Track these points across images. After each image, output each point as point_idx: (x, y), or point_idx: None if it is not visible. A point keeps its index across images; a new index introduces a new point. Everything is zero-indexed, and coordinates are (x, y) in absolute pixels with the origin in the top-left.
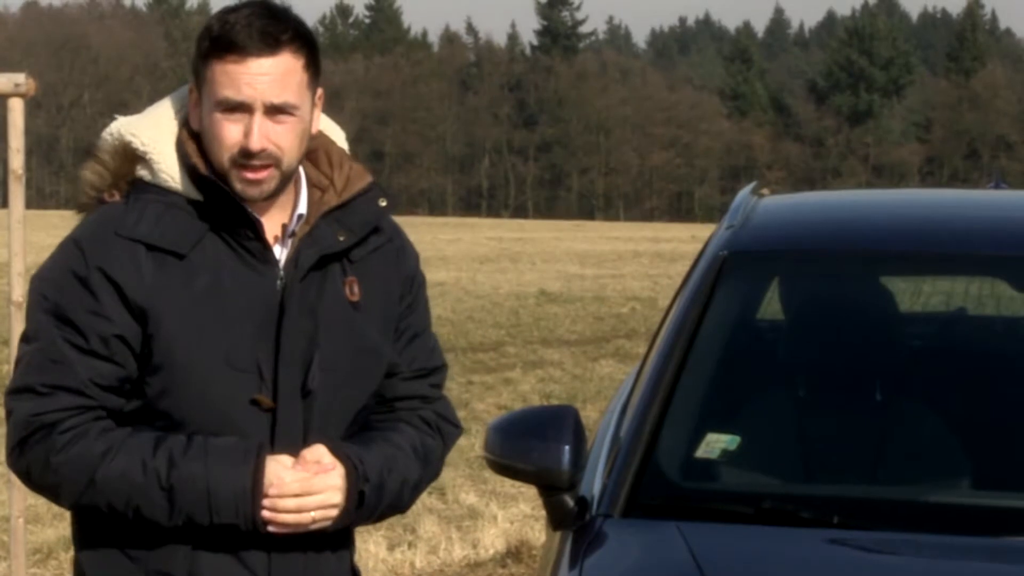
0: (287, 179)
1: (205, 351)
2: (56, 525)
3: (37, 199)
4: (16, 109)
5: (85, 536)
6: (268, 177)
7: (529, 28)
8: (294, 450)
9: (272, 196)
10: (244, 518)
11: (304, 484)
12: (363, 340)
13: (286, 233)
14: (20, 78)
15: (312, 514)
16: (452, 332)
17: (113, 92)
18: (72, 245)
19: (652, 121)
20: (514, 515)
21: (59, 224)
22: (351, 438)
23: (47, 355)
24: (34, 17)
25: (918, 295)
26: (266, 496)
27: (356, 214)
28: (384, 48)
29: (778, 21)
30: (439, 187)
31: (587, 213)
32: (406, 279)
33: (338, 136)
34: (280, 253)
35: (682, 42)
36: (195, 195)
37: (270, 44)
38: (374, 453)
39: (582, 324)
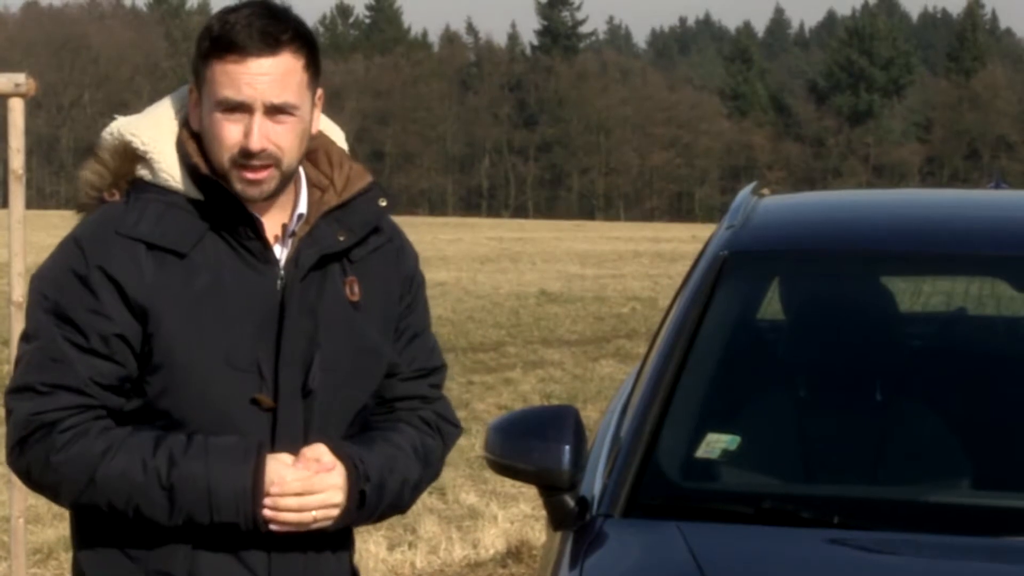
0: (287, 179)
1: (205, 350)
2: (56, 525)
3: (37, 199)
4: (16, 109)
5: (84, 536)
6: (268, 177)
7: (529, 28)
8: (294, 450)
9: (272, 196)
10: (244, 517)
11: (306, 483)
12: (363, 340)
13: (286, 233)
14: (20, 78)
15: (313, 513)
16: (452, 332)
17: (113, 92)
18: (72, 244)
19: (652, 121)
20: (514, 515)
21: (59, 224)
22: (351, 438)
23: (47, 354)
24: (34, 17)
25: (918, 295)
26: (268, 495)
27: (356, 214)
28: (384, 48)
29: (778, 21)
30: (439, 187)
31: (587, 213)
32: (406, 279)
33: (338, 136)
34: (280, 253)
35: (682, 42)
36: (195, 194)
37: (270, 44)
38: (375, 453)
39: (582, 324)
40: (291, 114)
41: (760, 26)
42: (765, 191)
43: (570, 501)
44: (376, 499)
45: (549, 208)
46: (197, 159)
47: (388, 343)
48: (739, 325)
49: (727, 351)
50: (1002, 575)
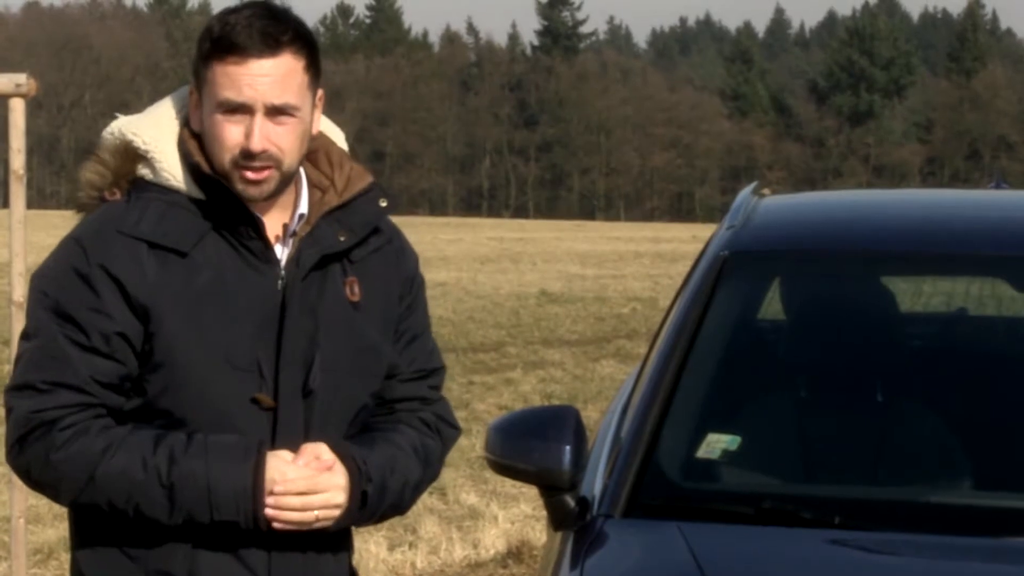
0: (287, 180)
1: (206, 350)
2: (57, 525)
3: (38, 199)
4: (17, 109)
5: (83, 535)
6: (268, 178)
7: (530, 28)
8: (294, 450)
9: (273, 196)
10: (244, 515)
11: (309, 482)
12: (363, 340)
13: (287, 233)
14: (21, 78)
15: (315, 513)
16: (453, 332)
17: (114, 92)
18: (73, 243)
19: (653, 121)
20: (515, 515)
21: (60, 224)
22: (351, 438)
23: (47, 352)
24: (35, 17)
25: (919, 295)
26: (271, 494)
27: (357, 214)
28: (385, 48)
29: (779, 21)
30: (440, 187)
31: (588, 213)
32: (406, 280)
33: (338, 137)
34: (281, 253)
35: (683, 42)
36: (197, 194)
37: (271, 45)
38: (376, 453)
39: (583, 324)
40: (292, 115)
41: (760, 26)
42: (766, 191)
43: (571, 501)
44: (378, 500)
45: (550, 208)
46: (198, 158)
47: (388, 343)
48: (740, 325)
49: (728, 351)
50: None
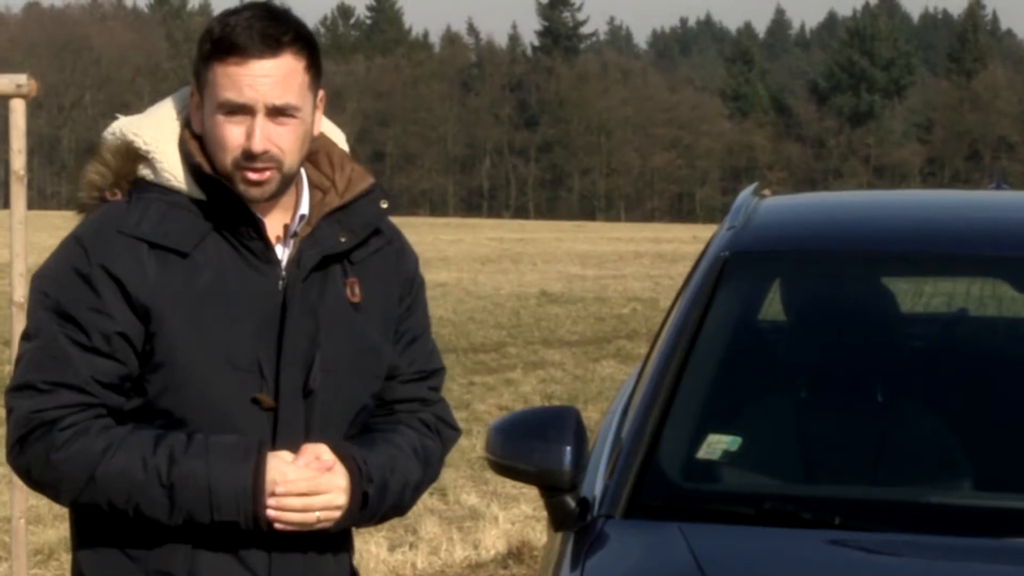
0: (289, 181)
1: (206, 350)
2: (57, 526)
3: (38, 200)
4: (18, 110)
5: (84, 536)
6: (270, 178)
7: (530, 29)
8: (295, 450)
9: (274, 197)
10: (245, 516)
11: (310, 483)
12: (364, 341)
13: (288, 233)
14: (22, 79)
15: (317, 514)
16: (453, 333)
17: (115, 93)
18: (74, 243)
19: (653, 122)
20: (515, 516)
21: (61, 225)
22: (351, 439)
23: (48, 352)
24: (36, 18)
25: (919, 296)
26: (272, 495)
27: (357, 215)
28: (385, 49)
29: (779, 22)
30: (440, 188)
31: (588, 214)
32: (406, 281)
33: (338, 138)
34: (282, 253)
35: (683, 43)
36: (198, 194)
37: (271, 46)
38: (377, 454)
39: (583, 325)
40: (293, 116)
41: (761, 27)
42: (766, 192)
43: (571, 502)
44: (378, 501)
45: (550, 209)
46: (200, 159)
47: (388, 344)
48: (740, 326)
49: (728, 352)
50: None
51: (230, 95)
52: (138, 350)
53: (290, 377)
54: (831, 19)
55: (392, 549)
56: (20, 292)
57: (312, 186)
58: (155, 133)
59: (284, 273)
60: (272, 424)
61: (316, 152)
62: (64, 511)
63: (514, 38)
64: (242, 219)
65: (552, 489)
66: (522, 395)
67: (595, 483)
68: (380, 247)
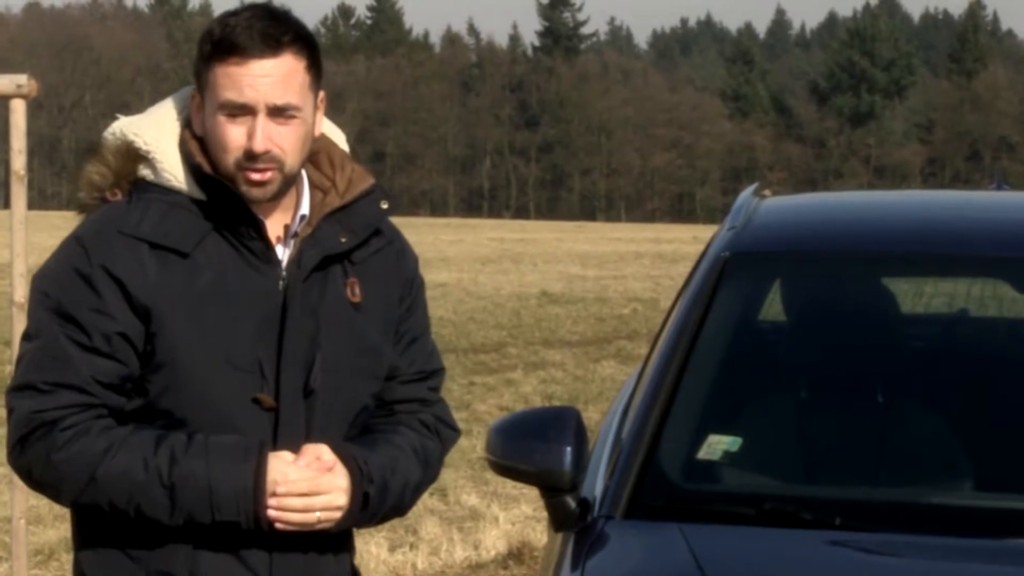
0: (290, 181)
1: (207, 350)
2: (58, 526)
3: (39, 200)
4: (18, 110)
5: (85, 536)
6: (272, 179)
7: (531, 29)
8: (295, 450)
9: (276, 197)
10: (245, 516)
11: (311, 483)
12: (364, 341)
13: (288, 234)
14: (22, 79)
15: (318, 514)
16: (454, 333)
17: (115, 93)
18: (75, 243)
19: (654, 122)
20: (516, 516)
21: (61, 225)
22: (352, 439)
23: (49, 352)
24: (36, 18)
25: (920, 296)
26: (274, 495)
27: (358, 216)
28: (386, 49)
29: (779, 22)
30: (441, 188)
31: (589, 214)
32: (406, 282)
33: (339, 138)
34: (282, 253)
35: (683, 43)
36: (198, 194)
37: (271, 45)
38: (377, 454)
39: (584, 325)
40: (294, 115)
41: (761, 27)
42: (767, 192)
43: (571, 502)
44: (379, 501)
45: (550, 209)
46: (200, 159)
47: (388, 345)
48: (741, 326)
49: (729, 352)
50: None
51: (231, 95)
52: (139, 350)
53: (291, 377)
54: (831, 19)
55: (392, 549)
56: (21, 292)
57: (313, 186)
58: (155, 133)
59: (284, 273)
60: (273, 424)
61: (317, 152)
62: (64, 511)
63: (514, 38)
64: (242, 219)
65: (552, 489)
66: (522, 395)
67: (595, 483)
68: (380, 247)
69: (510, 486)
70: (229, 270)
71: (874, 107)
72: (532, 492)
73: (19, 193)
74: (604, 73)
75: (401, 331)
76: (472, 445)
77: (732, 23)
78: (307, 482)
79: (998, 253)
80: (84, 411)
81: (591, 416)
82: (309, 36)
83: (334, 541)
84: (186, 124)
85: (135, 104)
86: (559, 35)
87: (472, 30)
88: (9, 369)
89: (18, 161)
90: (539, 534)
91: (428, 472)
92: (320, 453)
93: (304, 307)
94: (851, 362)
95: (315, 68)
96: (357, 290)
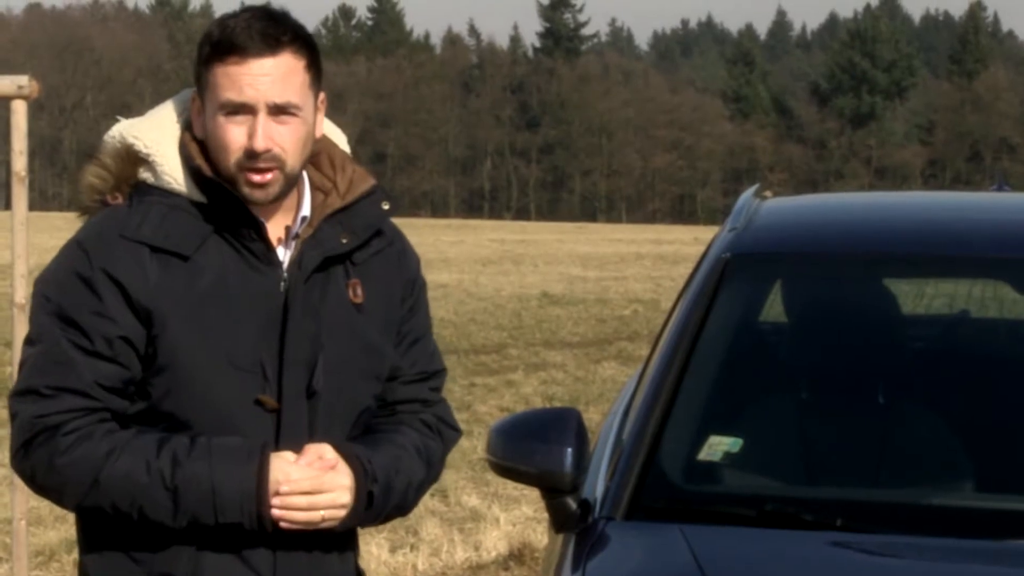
0: (292, 182)
1: (209, 352)
2: (58, 527)
3: (40, 201)
4: (19, 111)
5: (90, 539)
6: (273, 180)
7: (531, 30)
8: (298, 451)
9: (277, 199)
10: (249, 517)
11: (314, 482)
12: (366, 341)
13: (289, 235)
14: (23, 80)
15: (322, 513)
16: (454, 334)
17: (116, 94)
18: (76, 247)
19: (654, 123)
20: (516, 517)
21: (62, 226)
22: (354, 439)
23: (51, 357)
24: (37, 19)
25: (921, 297)
26: (277, 494)
27: (359, 216)
28: (386, 50)
29: (780, 23)
30: (441, 189)
31: (589, 215)
32: (407, 282)
33: (339, 139)
34: (283, 255)
35: (684, 44)
36: (198, 197)
37: (271, 44)
38: (381, 454)
39: (584, 326)
40: (294, 114)
41: (762, 28)
42: (767, 193)
43: (572, 503)
44: (383, 500)
45: (551, 210)
46: (200, 161)
47: (390, 345)
48: (741, 327)
49: (729, 353)
50: None
51: (231, 95)
52: (140, 353)
53: (293, 378)
54: (832, 20)
55: (393, 550)
56: (21, 293)
57: (314, 187)
58: (155, 136)
59: (286, 275)
60: (275, 425)
61: (318, 153)
62: (65, 513)
63: (515, 39)
64: (243, 221)
65: (553, 491)
66: (523, 396)
67: (596, 485)
68: (382, 248)
69: (511, 487)
70: (230, 272)
71: (875, 108)
72: (533, 493)
73: (20, 194)
74: (605, 74)
75: (403, 332)
76: (473, 446)
77: (733, 24)
78: (310, 481)
79: (999, 254)
80: (87, 415)
81: (592, 417)
82: (308, 36)
83: (338, 541)
84: (186, 127)
85: (136, 105)
86: (560, 36)
87: (473, 31)
88: (10, 370)
89: (19, 162)
90: (540, 535)
91: (431, 471)
92: (323, 452)
93: (306, 308)
94: (852, 363)
95: (314, 68)
96: (359, 291)
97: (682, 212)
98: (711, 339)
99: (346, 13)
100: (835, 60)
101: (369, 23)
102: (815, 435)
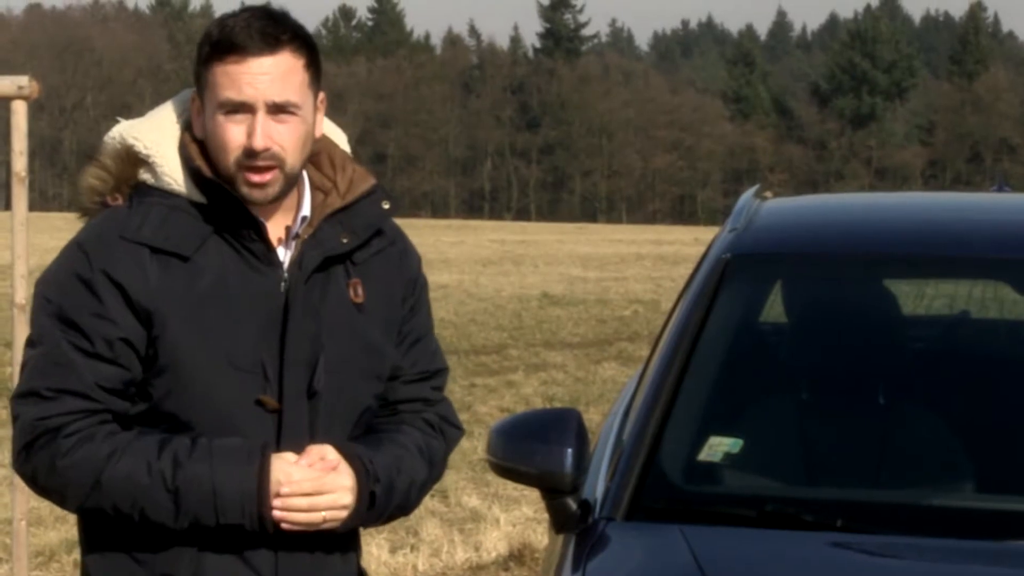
0: (291, 182)
1: (209, 352)
2: (58, 528)
3: (40, 201)
4: (19, 111)
5: (92, 540)
6: (273, 179)
7: (532, 31)
8: (300, 451)
9: (277, 199)
10: (250, 518)
11: (315, 483)
12: (367, 341)
13: (290, 235)
14: (23, 80)
15: (323, 514)
16: (455, 335)
17: (116, 95)
18: (76, 249)
19: (655, 124)
20: (516, 518)
21: (62, 226)
22: (356, 439)
23: (52, 359)
24: (37, 20)
25: (921, 298)
26: (278, 495)
27: (359, 216)
28: (387, 50)
29: (780, 24)
30: (442, 190)
31: (590, 216)
32: (408, 282)
33: (340, 138)
34: (284, 255)
35: (685, 45)
36: (198, 197)
37: (270, 43)
38: (383, 454)
39: (585, 327)
40: (293, 113)
41: (762, 29)
42: (768, 194)
43: (572, 504)
44: (385, 500)
45: (551, 211)
46: (200, 162)
47: (391, 345)
48: (742, 328)
49: (730, 354)
50: None
51: (230, 94)
52: (141, 355)
53: (294, 378)
54: (832, 21)
55: (393, 551)
56: (22, 294)
57: (314, 187)
58: (155, 137)
59: (286, 275)
60: (276, 426)
61: (318, 153)
62: (65, 513)
63: (515, 40)
64: (243, 222)
65: (553, 491)
66: (523, 397)
67: (596, 485)
68: (383, 248)
69: (511, 488)
70: (230, 273)
71: (875, 109)
72: (533, 494)
73: (20, 195)
74: (605, 75)
75: (404, 331)
76: (473, 447)
77: (733, 25)
78: (311, 482)
79: (999, 255)
80: (88, 417)
81: (592, 418)
82: (307, 36)
83: (340, 541)
84: (186, 127)
85: (136, 106)
86: (560, 37)
87: (473, 31)
88: (10, 371)
89: (19, 163)
90: (540, 536)
91: (433, 471)
92: (324, 453)
93: (306, 308)
94: (852, 364)
95: (314, 67)
96: (360, 291)
97: (682, 213)
98: (711, 340)
99: (346, 13)
100: (835, 61)
101: (369, 23)
102: (815, 436)
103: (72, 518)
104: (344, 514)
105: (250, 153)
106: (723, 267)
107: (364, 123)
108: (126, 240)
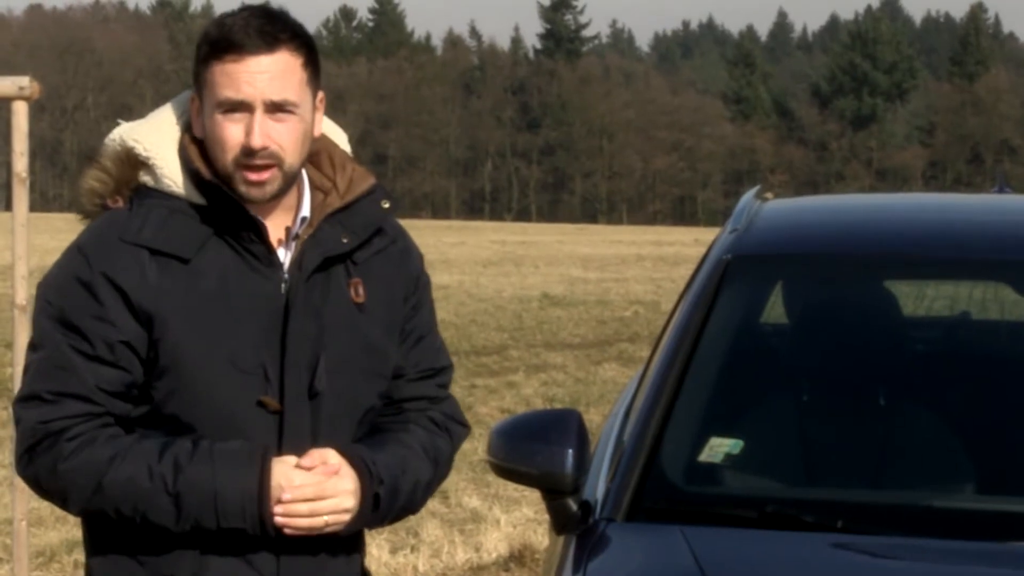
0: (290, 181)
1: (210, 354)
2: (59, 528)
3: (40, 202)
4: (20, 112)
5: (95, 542)
6: (271, 178)
7: (532, 31)
8: (301, 452)
9: (275, 198)
10: (251, 521)
11: (317, 488)
12: (368, 341)
13: (290, 236)
14: (24, 81)
15: (325, 518)
16: (455, 335)
17: (117, 95)
18: (76, 252)
19: (655, 125)
20: (517, 519)
21: (63, 227)
22: (360, 440)
23: (53, 362)
24: (38, 20)
25: (922, 299)
26: (279, 501)
27: (359, 216)
28: (387, 51)
29: (781, 25)
30: (442, 190)
31: (590, 216)
32: (410, 280)
33: (340, 138)
34: (284, 256)
35: (685, 46)
36: (198, 199)
37: (268, 42)
38: (387, 454)
39: (585, 328)
40: (292, 112)
41: (763, 30)
42: (768, 195)
43: (573, 505)
44: (390, 501)
45: (552, 211)
46: (199, 164)
47: (393, 344)
48: (742, 329)
49: (730, 355)
50: None
51: (228, 93)
52: (142, 357)
53: (295, 379)
54: (833, 22)
55: (394, 552)
56: (22, 295)
57: (313, 187)
58: (155, 139)
59: (286, 276)
60: (278, 427)
61: (317, 153)
62: (65, 514)
63: (516, 41)
64: (243, 223)
65: (554, 492)
66: (524, 398)
67: (597, 486)
68: (383, 247)
69: (511, 488)
70: (231, 274)
71: (876, 110)
72: (534, 494)
73: (21, 195)
74: (606, 76)
75: (407, 329)
76: (474, 447)
77: (734, 26)
78: (313, 487)
79: (1000, 256)
80: (90, 420)
81: (593, 419)
82: (306, 34)
83: (343, 543)
84: (186, 128)
85: (137, 106)
86: (561, 37)
87: (474, 32)
88: (10, 372)
89: (20, 163)
90: (540, 536)
91: (439, 470)
92: (326, 457)
93: (307, 309)
94: (853, 365)
95: (312, 66)
96: (361, 290)
97: (683, 214)
98: (712, 340)
99: (347, 14)
100: (836, 62)
101: (370, 24)
102: (816, 437)
103: (72, 519)
104: (347, 518)
105: (248, 152)
106: (724, 268)
107: (365, 124)
108: (126, 242)
